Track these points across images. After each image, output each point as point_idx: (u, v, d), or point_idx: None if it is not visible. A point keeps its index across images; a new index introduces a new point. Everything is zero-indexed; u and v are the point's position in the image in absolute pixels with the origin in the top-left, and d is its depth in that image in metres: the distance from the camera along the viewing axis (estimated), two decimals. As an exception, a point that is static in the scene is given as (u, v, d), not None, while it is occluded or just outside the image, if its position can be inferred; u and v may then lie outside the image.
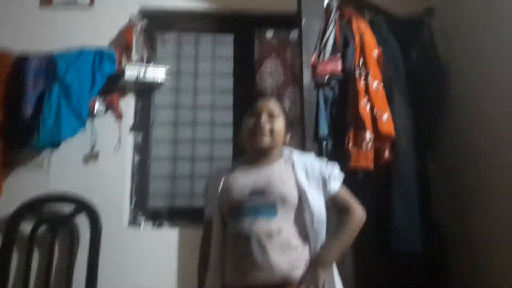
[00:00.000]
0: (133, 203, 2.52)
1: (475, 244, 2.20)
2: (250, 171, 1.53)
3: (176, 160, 2.67)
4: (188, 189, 2.64)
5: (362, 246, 2.10)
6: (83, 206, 2.33)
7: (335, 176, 1.54)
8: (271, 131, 1.53)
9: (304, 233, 1.45)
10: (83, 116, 2.32)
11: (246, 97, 2.70)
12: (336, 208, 1.55)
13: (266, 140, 1.52)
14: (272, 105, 1.59)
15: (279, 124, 1.56)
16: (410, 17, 2.57)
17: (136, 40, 2.56)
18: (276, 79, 2.82)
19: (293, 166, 1.52)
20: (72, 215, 2.34)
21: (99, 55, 2.40)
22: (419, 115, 2.30)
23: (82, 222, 2.34)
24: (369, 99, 2.02)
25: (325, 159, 1.61)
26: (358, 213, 1.51)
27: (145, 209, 2.53)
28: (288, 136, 1.62)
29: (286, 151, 1.60)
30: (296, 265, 1.40)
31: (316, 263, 1.42)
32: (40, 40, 2.54)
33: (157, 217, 2.53)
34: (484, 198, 2.16)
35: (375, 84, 2.05)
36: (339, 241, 1.48)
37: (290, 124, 1.64)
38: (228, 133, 2.68)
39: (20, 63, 2.37)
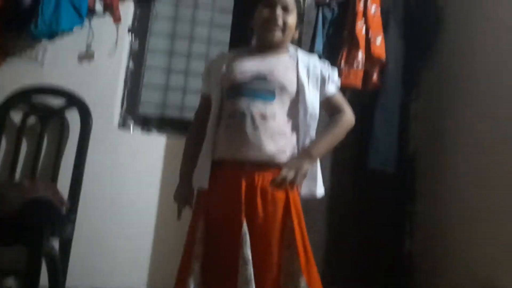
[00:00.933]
0: (124, 107, 2.57)
1: (443, 180, 2.35)
2: (255, 58, 1.55)
3: (170, 72, 2.71)
4: (179, 101, 2.70)
5: (342, 160, 2.26)
6: (75, 101, 2.36)
7: (333, 79, 1.57)
8: (284, 26, 1.52)
9: (296, 124, 1.50)
10: (82, 11, 2.32)
11: (242, 35, 2.72)
12: (329, 109, 1.59)
13: (278, 34, 1.52)
14: None
15: (292, 19, 1.54)
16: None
17: None
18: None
19: (297, 61, 1.54)
20: (63, 108, 2.37)
21: (104, -48, 2.37)
22: (409, 49, 2.38)
23: (73, 117, 2.38)
24: (366, 22, 2.09)
25: (327, 62, 1.63)
26: (349, 115, 1.57)
27: (135, 114, 2.59)
28: (297, 32, 1.62)
29: (292, 48, 1.61)
30: (284, 150, 1.46)
31: (303, 153, 1.49)
32: None
33: (146, 123, 2.59)
34: (456, 141, 2.29)
35: (373, 8, 2.12)
36: (328, 138, 1.55)
37: (301, 20, 1.64)
38: (224, 50, 2.72)
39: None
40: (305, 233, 1.42)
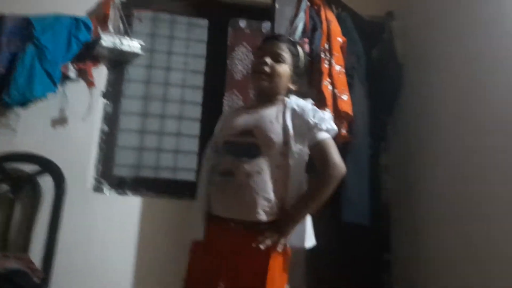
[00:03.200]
0: (98, 170, 2.56)
1: (416, 225, 2.40)
2: (248, 112, 1.59)
3: (143, 133, 2.74)
4: (154, 162, 2.71)
5: (318, 214, 2.28)
6: (48, 167, 2.35)
7: (323, 125, 1.50)
8: (271, 73, 1.54)
9: (285, 177, 1.48)
10: (55, 78, 2.35)
11: (216, 79, 2.84)
12: (316, 158, 1.50)
13: (265, 81, 1.54)
14: (280, 49, 1.57)
15: (283, 68, 1.55)
16: (372, 19, 2.79)
17: (113, 14, 2.64)
18: (246, 66, 2.95)
19: (284, 111, 1.52)
20: (36, 174, 2.35)
21: (76, 22, 2.45)
22: (374, 104, 2.50)
23: (46, 183, 2.36)
24: (331, 81, 2.20)
25: (317, 109, 1.57)
26: (336, 167, 1.47)
27: (109, 176, 2.58)
28: (295, 85, 1.62)
29: (291, 98, 1.59)
30: (267, 209, 1.46)
31: (287, 217, 1.48)
32: (16, 4, 2.55)
33: (121, 186, 2.58)
34: (426, 187, 2.37)
35: (338, 68, 2.23)
36: (312, 200, 1.49)
37: (298, 73, 1.63)
38: (197, 111, 2.79)
39: (-5, 22, 2.39)
40: None
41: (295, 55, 1.61)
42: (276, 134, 1.48)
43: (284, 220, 1.47)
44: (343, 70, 2.29)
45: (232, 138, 1.54)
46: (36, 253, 2.21)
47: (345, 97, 2.19)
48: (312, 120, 1.50)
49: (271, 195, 1.47)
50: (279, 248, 1.44)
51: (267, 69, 1.54)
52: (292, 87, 1.62)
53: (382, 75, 2.64)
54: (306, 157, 1.49)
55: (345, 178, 2.23)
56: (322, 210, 2.29)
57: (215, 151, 1.61)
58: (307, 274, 2.34)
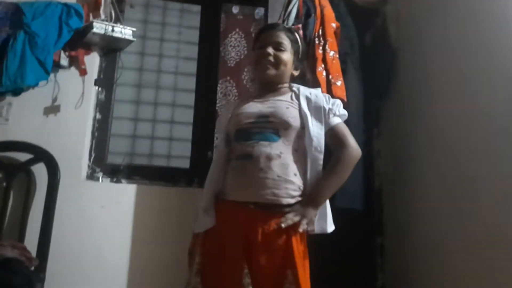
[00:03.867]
0: (92, 158, 2.56)
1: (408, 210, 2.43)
2: (258, 101, 1.61)
3: (137, 120, 2.73)
4: (148, 149, 2.71)
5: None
6: (41, 155, 2.33)
7: (337, 110, 1.57)
8: (276, 62, 1.57)
9: (304, 159, 1.51)
10: (47, 66, 2.32)
11: (209, 66, 2.83)
12: (332, 141, 1.56)
13: (272, 70, 1.58)
14: (279, 37, 1.60)
15: (286, 56, 1.59)
16: (365, 4, 2.78)
17: (104, 0, 2.60)
18: (239, 52, 2.94)
19: (298, 97, 1.57)
20: (30, 163, 2.34)
21: (67, 8, 2.41)
22: (368, 89, 2.51)
23: (40, 172, 2.35)
24: (325, 67, 2.20)
25: (328, 95, 1.63)
26: (352, 150, 1.53)
27: (103, 164, 2.58)
28: (298, 71, 1.66)
29: (295, 86, 1.64)
30: (289, 192, 1.47)
31: (309, 200, 1.49)
32: (6, -9, 2.52)
33: (115, 173, 2.58)
34: (419, 171, 2.39)
35: (332, 53, 2.23)
36: (332, 182, 1.52)
37: (301, 58, 1.68)
38: (190, 98, 2.78)
39: (-16, 9, 2.36)
40: (308, 278, 1.46)
41: (294, 42, 1.64)
42: (294, 118, 1.51)
43: (306, 202, 1.49)
44: (337, 56, 2.28)
45: (246, 125, 1.55)
46: (31, 241, 2.19)
47: (339, 82, 2.19)
48: (327, 105, 1.56)
49: (294, 178, 1.48)
50: (301, 229, 1.43)
51: (271, 59, 1.58)
52: (295, 73, 1.66)
53: (376, 60, 2.63)
54: (323, 141, 1.52)
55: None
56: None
57: (226, 144, 1.62)
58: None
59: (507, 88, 1.84)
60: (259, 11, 2.95)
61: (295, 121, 1.51)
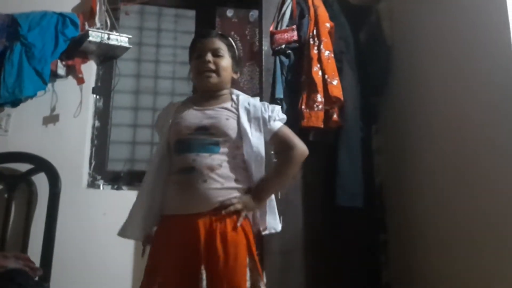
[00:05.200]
0: (92, 166, 2.56)
1: (408, 207, 2.44)
2: (199, 110, 1.60)
3: (136, 126, 2.74)
4: (147, 155, 2.72)
5: (312, 199, 2.31)
6: (42, 165, 2.34)
7: (276, 115, 1.59)
8: (217, 69, 1.58)
9: (244, 167, 1.55)
10: (45, 76, 2.34)
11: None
12: (277, 146, 1.62)
13: (214, 78, 1.58)
14: (215, 44, 1.61)
15: (225, 62, 1.61)
16: (359, 2, 2.79)
17: (99, 8, 2.61)
18: (234, 56, 2.94)
19: (237, 108, 1.59)
20: (31, 173, 2.35)
21: (62, 18, 2.43)
22: (364, 87, 2.52)
23: (41, 182, 2.35)
24: (321, 66, 2.21)
25: (266, 103, 1.65)
26: (299, 149, 1.57)
27: (104, 172, 2.58)
28: (238, 74, 1.69)
29: (235, 93, 1.66)
30: (234, 196, 1.50)
31: (254, 196, 1.53)
32: (1, 2, 2.53)
33: (116, 180, 2.59)
34: (419, 166, 2.39)
35: (327, 53, 2.24)
36: (277, 179, 1.59)
37: (239, 61, 1.70)
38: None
39: (-20, 22, 2.37)
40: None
41: (230, 46, 1.66)
42: (233, 130, 1.54)
43: (252, 197, 1.53)
44: (332, 55, 2.29)
45: (186, 136, 1.55)
46: (34, 251, 2.20)
47: (335, 82, 2.21)
48: (265, 113, 1.58)
49: (237, 184, 1.52)
50: (239, 222, 1.47)
51: (212, 66, 1.58)
52: (235, 76, 1.68)
53: (371, 58, 2.64)
54: (263, 150, 1.56)
55: (338, 161, 2.29)
56: (316, 194, 2.35)
57: (167, 152, 1.60)
58: (304, 261, 2.37)
59: (503, 81, 1.85)
60: (254, 14, 2.96)
61: (234, 133, 1.54)
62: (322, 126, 2.16)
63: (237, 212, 1.49)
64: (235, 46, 1.70)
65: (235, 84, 1.74)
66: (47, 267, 2.18)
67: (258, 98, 1.69)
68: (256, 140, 1.55)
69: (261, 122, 1.57)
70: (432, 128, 2.31)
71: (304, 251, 2.34)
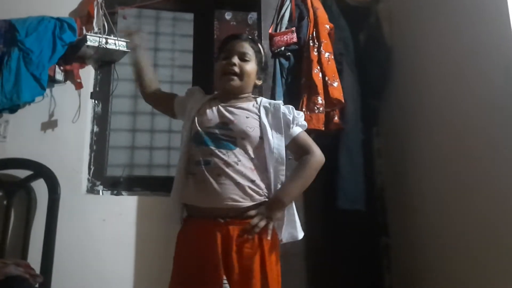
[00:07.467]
0: (91, 172, 2.55)
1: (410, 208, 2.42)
2: (221, 105, 1.61)
3: (135, 131, 2.72)
4: (147, 160, 2.70)
5: (313, 203, 2.30)
6: (40, 171, 2.32)
7: (297, 122, 1.61)
8: (241, 73, 1.60)
9: (263, 170, 1.54)
10: (43, 82, 2.32)
11: (204, 73, 2.82)
12: (296, 151, 1.62)
13: (236, 81, 1.60)
14: (244, 48, 1.63)
15: (250, 66, 1.62)
16: (358, 3, 2.78)
17: (97, 13, 2.60)
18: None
19: (259, 108, 1.60)
20: (29, 179, 2.33)
21: (60, 23, 2.41)
22: (365, 89, 2.51)
23: (40, 188, 2.33)
24: (321, 68, 2.20)
25: (290, 106, 1.66)
26: (317, 155, 1.58)
27: (103, 177, 2.56)
28: (261, 80, 1.69)
29: (258, 98, 1.68)
30: (250, 194, 1.50)
31: (274, 200, 1.52)
32: (-2, 8, 2.52)
33: (115, 186, 2.57)
34: (420, 168, 2.38)
35: (327, 55, 2.23)
36: (297, 183, 1.57)
37: (264, 68, 1.71)
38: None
39: (-23, 28, 2.35)
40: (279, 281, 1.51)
41: (258, 52, 1.66)
42: (252, 128, 1.54)
43: (272, 202, 1.52)
44: (332, 57, 2.28)
45: (206, 129, 1.56)
46: (34, 258, 2.18)
47: (335, 84, 2.20)
48: (289, 116, 1.59)
49: (252, 184, 1.51)
50: (269, 236, 1.48)
51: (236, 69, 1.60)
52: (258, 83, 1.69)
53: (371, 59, 2.63)
54: (284, 152, 1.56)
55: (339, 164, 2.28)
56: (317, 197, 2.33)
57: (190, 139, 1.62)
58: (306, 265, 2.35)
59: (503, 83, 1.84)
60: (252, 16, 2.94)
61: (254, 132, 1.54)
62: (323, 128, 2.15)
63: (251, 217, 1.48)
64: (263, 53, 1.71)
65: (257, 89, 1.75)
66: (47, 274, 2.16)
67: (281, 101, 1.68)
68: (277, 141, 1.55)
69: (284, 124, 1.58)
70: (433, 130, 2.30)
71: (305, 255, 2.33)
